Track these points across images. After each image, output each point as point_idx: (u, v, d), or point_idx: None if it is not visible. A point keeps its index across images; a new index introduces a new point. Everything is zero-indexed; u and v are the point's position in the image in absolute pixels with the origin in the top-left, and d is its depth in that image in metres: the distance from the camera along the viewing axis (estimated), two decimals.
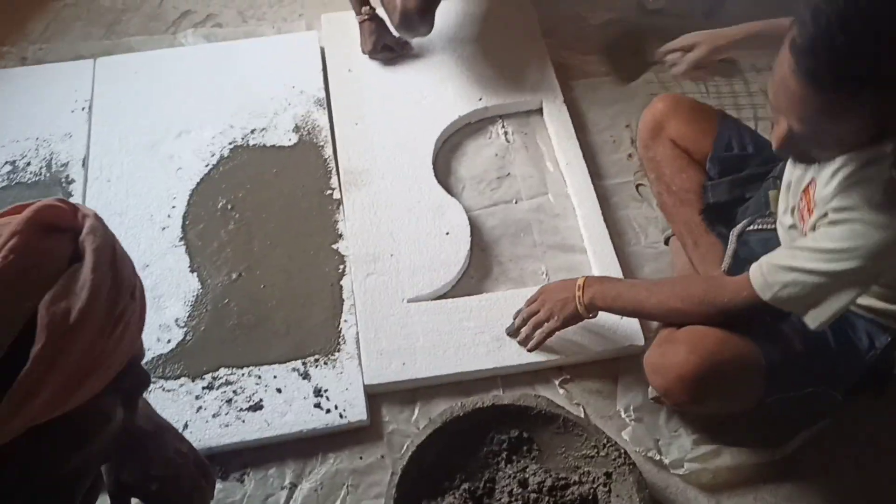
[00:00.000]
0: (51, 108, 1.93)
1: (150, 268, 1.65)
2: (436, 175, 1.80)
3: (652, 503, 1.28)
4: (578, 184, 1.78)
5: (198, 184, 1.79)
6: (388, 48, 1.97)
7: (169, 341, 1.55)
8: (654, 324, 1.55)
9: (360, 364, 1.52)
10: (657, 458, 1.44)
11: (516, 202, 1.81)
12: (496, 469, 1.39)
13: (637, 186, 1.82)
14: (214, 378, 1.51)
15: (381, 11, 1.95)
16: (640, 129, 1.66)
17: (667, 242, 1.72)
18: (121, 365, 0.71)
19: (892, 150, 1.07)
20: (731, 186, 1.52)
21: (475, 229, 1.73)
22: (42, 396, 0.63)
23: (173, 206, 1.75)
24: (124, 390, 0.75)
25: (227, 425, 1.45)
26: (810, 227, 1.18)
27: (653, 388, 1.45)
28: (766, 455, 1.44)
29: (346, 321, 1.58)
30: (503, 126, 1.94)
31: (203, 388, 1.50)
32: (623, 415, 1.50)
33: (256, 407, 1.47)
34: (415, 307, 1.60)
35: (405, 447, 1.35)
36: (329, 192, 1.78)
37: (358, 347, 1.54)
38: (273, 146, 1.86)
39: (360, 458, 1.45)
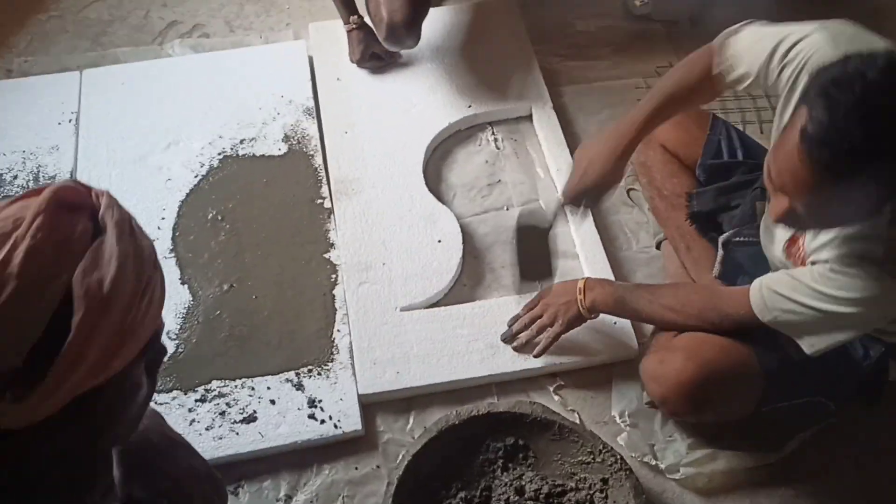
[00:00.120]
0: (37, 120, 1.91)
1: None
2: (426, 183, 1.80)
3: None
4: None
5: (187, 195, 1.78)
6: (376, 57, 1.97)
7: None
8: (648, 329, 1.55)
9: (353, 374, 1.52)
10: (653, 463, 1.44)
11: (507, 209, 1.81)
12: (492, 477, 1.38)
13: (628, 191, 1.82)
14: (207, 390, 1.50)
15: (369, 20, 1.94)
16: None
17: (658, 247, 1.72)
18: (150, 333, 0.74)
19: (891, 209, 1.06)
20: (716, 195, 1.52)
21: (467, 237, 1.73)
22: (86, 363, 0.65)
23: (163, 218, 1.74)
24: (148, 361, 0.78)
25: (220, 438, 1.44)
26: (808, 259, 1.17)
27: (647, 395, 1.45)
28: (761, 459, 1.44)
29: (339, 331, 1.58)
30: (493, 133, 1.94)
31: (196, 400, 1.49)
32: (618, 420, 1.50)
33: (250, 419, 1.46)
34: (408, 316, 1.59)
35: (401, 457, 1.35)
36: (320, 201, 1.78)
37: (351, 357, 1.54)
38: (263, 156, 1.85)
39: (356, 468, 1.45)
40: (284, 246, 1.70)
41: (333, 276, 1.66)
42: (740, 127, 1.85)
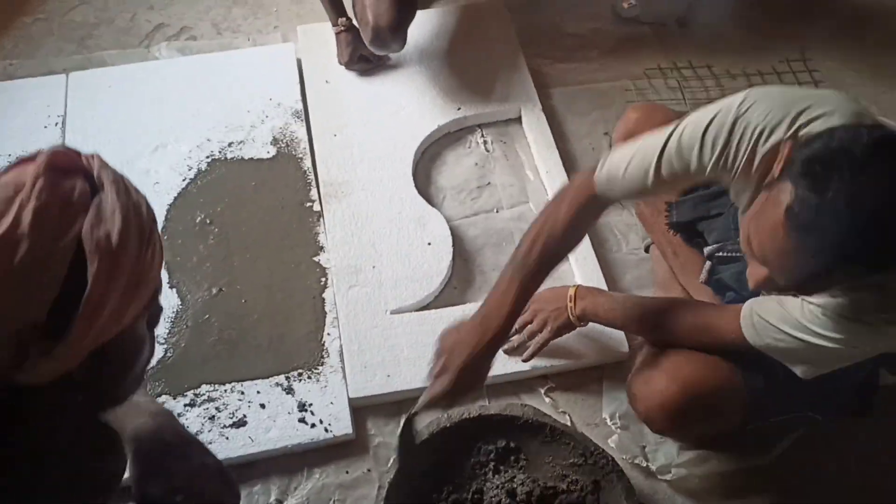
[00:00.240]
0: (23, 124, 1.89)
1: None
2: (416, 185, 1.80)
3: None
4: None
5: (175, 198, 1.77)
6: (364, 59, 1.97)
7: None
8: None
9: (344, 377, 1.51)
10: (644, 464, 1.45)
11: (497, 211, 1.81)
12: (484, 480, 1.38)
13: None
14: (196, 395, 1.49)
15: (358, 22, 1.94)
16: (614, 139, 1.65)
17: (647, 250, 1.72)
18: (155, 285, 0.78)
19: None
20: (695, 205, 1.50)
21: (457, 239, 1.73)
22: (105, 312, 0.69)
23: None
24: (149, 318, 0.82)
25: (210, 442, 1.42)
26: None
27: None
28: (753, 460, 1.45)
29: (329, 334, 1.57)
30: (482, 135, 1.94)
31: (185, 405, 1.47)
32: (609, 422, 1.50)
33: (240, 423, 1.45)
34: (398, 319, 1.59)
35: (392, 460, 1.34)
36: (309, 204, 1.77)
37: (342, 360, 1.53)
38: (251, 159, 1.85)
39: (347, 472, 1.44)
40: (273, 249, 1.70)
41: (323, 279, 1.65)
42: None
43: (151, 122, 1.90)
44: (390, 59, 2.01)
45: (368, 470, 1.44)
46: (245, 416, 1.46)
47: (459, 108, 1.93)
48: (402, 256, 1.67)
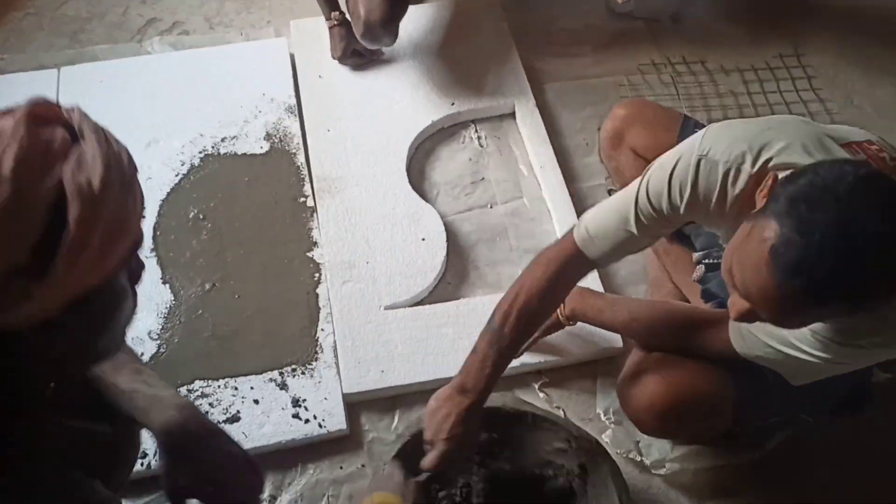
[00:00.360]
0: None
1: None
2: (410, 181, 1.79)
3: (627, 490, 1.28)
4: (553, 187, 1.78)
5: (168, 194, 1.76)
6: (358, 54, 1.96)
7: (142, 354, 1.52)
8: None
9: (338, 373, 1.51)
10: (638, 459, 1.45)
11: (491, 206, 1.80)
12: (470, 473, 1.37)
13: (609, 191, 1.82)
14: (190, 391, 1.48)
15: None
16: (601, 137, 1.64)
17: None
18: (136, 236, 0.79)
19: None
20: None
21: (451, 235, 1.72)
22: (86, 255, 0.69)
23: (143, 217, 1.72)
24: (130, 272, 0.82)
25: None
26: None
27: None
28: (746, 455, 1.45)
29: (322, 330, 1.57)
30: (476, 130, 1.94)
31: None
32: (603, 417, 1.50)
33: (234, 419, 1.45)
34: (392, 314, 1.58)
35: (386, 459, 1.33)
36: (302, 199, 1.76)
37: (336, 356, 1.53)
38: (244, 154, 1.84)
39: (341, 467, 1.44)
40: (267, 244, 1.69)
41: (317, 274, 1.65)
42: None
43: (144, 118, 1.89)
44: (384, 54, 2.00)
45: (362, 465, 1.44)
46: (239, 411, 1.46)
47: (453, 104, 1.93)
48: (395, 252, 1.67)
